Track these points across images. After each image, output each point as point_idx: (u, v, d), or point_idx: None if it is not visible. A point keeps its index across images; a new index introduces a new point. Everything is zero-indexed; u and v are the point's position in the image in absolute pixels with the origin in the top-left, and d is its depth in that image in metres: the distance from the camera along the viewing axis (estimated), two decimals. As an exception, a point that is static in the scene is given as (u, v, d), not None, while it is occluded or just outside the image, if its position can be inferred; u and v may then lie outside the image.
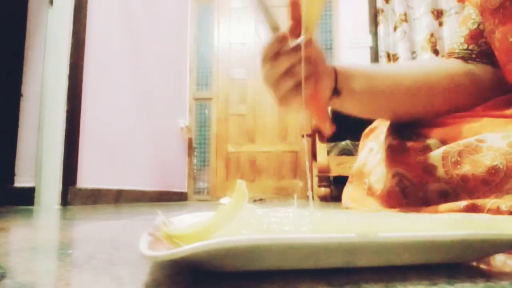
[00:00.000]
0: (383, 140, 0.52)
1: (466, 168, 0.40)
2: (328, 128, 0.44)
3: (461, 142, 0.42)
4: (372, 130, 0.61)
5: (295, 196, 0.40)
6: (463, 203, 0.40)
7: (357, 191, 0.56)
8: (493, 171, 0.39)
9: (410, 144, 0.47)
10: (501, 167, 0.38)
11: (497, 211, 0.37)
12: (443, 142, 0.46)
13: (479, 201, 0.39)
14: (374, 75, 0.49)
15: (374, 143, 0.57)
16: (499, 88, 0.50)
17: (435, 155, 0.43)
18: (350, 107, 0.49)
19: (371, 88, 0.48)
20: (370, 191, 0.53)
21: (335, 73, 0.47)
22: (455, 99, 0.50)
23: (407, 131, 0.50)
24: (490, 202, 0.38)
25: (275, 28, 0.42)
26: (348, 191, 0.61)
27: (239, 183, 0.25)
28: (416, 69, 0.51)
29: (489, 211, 0.38)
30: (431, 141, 0.46)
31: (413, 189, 0.45)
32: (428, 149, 0.45)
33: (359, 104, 0.49)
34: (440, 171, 0.42)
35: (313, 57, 0.42)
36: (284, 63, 0.41)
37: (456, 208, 0.40)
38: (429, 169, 0.43)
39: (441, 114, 0.49)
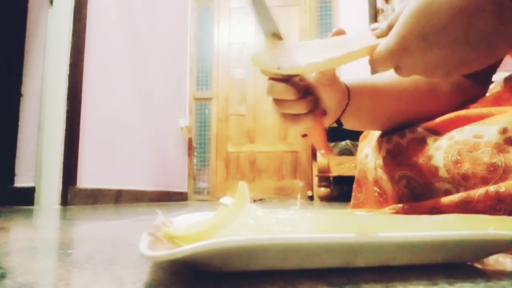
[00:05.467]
0: (375, 145, 0.52)
1: (466, 166, 0.40)
2: (325, 154, 0.47)
3: (460, 139, 0.42)
4: (367, 134, 0.61)
5: (298, 196, 0.40)
6: (458, 195, 0.39)
7: (371, 201, 0.56)
8: (492, 168, 0.38)
9: (405, 141, 0.47)
10: (500, 164, 0.38)
11: (486, 194, 0.37)
12: (436, 132, 0.46)
13: (471, 192, 0.38)
14: (375, 91, 0.50)
15: (368, 148, 0.57)
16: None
17: (437, 156, 0.43)
18: (350, 124, 0.51)
19: (373, 105, 0.50)
20: (382, 198, 0.52)
21: (348, 91, 0.48)
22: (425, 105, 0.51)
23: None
24: (479, 190, 0.38)
25: (274, 33, 0.41)
26: (358, 198, 0.60)
27: (241, 185, 0.25)
28: (398, 80, 0.52)
29: (479, 196, 0.37)
30: (420, 130, 0.47)
31: (421, 190, 0.45)
32: (423, 141, 0.45)
33: (360, 120, 0.52)
34: (442, 171, 0.42)
35: (318, 100, 0.44)
36: (289, 109, 0.43)
37: (453, 199, 0.40)
38: (432, 170, 0.43)
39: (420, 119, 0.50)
